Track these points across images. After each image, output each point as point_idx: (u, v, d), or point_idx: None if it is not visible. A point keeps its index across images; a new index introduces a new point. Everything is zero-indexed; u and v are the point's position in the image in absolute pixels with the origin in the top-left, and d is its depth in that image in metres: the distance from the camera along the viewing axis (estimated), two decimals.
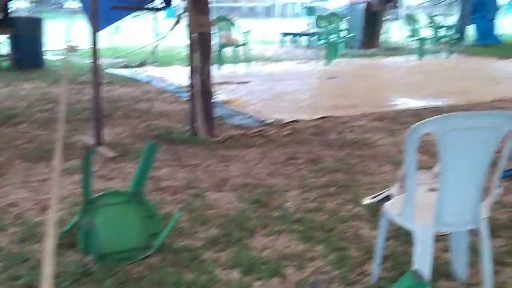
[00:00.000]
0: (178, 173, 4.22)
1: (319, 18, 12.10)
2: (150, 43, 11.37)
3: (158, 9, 6.94)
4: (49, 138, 5.09)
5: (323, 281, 2.63)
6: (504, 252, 2.88)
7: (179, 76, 8.08)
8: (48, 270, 1.56)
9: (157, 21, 12.49)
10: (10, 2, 10.13)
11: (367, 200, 3.58)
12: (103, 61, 9.50)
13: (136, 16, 10.37)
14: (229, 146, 4.92)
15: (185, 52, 5.28)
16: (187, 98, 5.57)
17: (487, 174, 2.27)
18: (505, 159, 2.30)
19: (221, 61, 9.83)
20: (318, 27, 11.68)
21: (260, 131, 5.39)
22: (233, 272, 2.72)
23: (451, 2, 16.68)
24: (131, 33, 13.69)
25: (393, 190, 3.35)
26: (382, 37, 13.84)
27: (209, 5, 5.28)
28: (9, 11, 9.89)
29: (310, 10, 15.83)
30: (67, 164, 4.22)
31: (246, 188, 3.88)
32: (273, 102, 7.03)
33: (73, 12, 15.55)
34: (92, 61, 4.79)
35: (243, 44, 10.29)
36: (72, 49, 12.25)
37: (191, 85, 5.19)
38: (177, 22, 6.08)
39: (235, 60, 10.17)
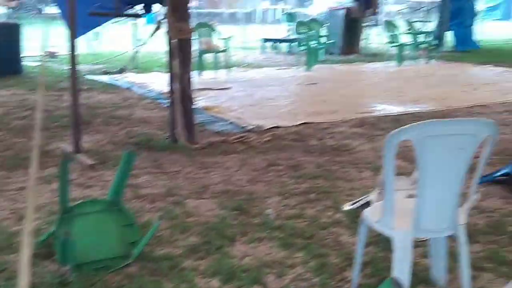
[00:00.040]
0: (157, 180, 4.19)
1: (299, 24, 12.15)
2: (130, 49, 11.33)
3: (137, 16, 6.91)
4: (26, 145, 5.02)
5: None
6: (482, 257, 2.90)
7: (159, 82, 8.04)
8: (24, 281, 1.53)
9: (137, 27, 12.43)
10: None
11: (347, 206, 3.59)
12: (82, 67, 9.47)
13: (116, 22, 10.32)
14: (210, 152, 4.91)
15: (165, 58, 5.25)
16: (167, 105, 5.55)
17: (465, 180, 2.29)
18: (483, 164, 2.32)
19: (201, 67, 9.81)
20: (298, 33, 11.72)
21: (240, 137, 5.38)
22: (213, 280, 2.71)
23: (430, 9, 16.87)
24: (111, 39, 13.60)
25: (372, 196, 3.36)
26: (362, 43, 13.94)
27: (189, 11, 5.27)
28: None
29: (291, 16, 15.89)
30: (45, 172, 4.17)
31: (227, 195, 3.87)
32: (254, 108, 7.03)
33: (52, 18, 15.43)
34: (71, 67, 4.75)
35: (224, 50, 10.28)
36: (51, 55, 12.14)
37: (171, 92, 5.17)
38: (157, 28, 6.07)
39: (216, 66, 10.16)
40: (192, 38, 5.37)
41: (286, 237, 3.16)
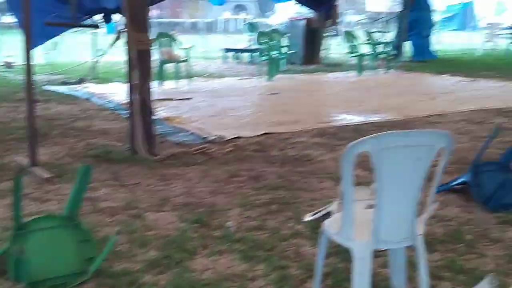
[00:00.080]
0: (117, 193, 4.11)
1: (261, 34, 12.20)
2: (90, 59, 11.17)
3: (95, 26, 6.82)
4: None
5: None
6: (440, 266, 2.94)
7: (120, 92, 7.94)
8: None
9: (97, 36, 12.27)
10: None
11: (308, 217, 3.59)
12: (40, 77, 9.29)
13: (75, 31, 10.16)
14: (170, 164, 4.86)
15: (126, 68, 5.18)
16: (127, 116, 5.47)
17: (423, 189, 2.31)
18: (440, 174, 2.35)
19: (162, 78, 9.74)
20: (260, 43, 11.77)
21: (202, 148, 5.35)
22: None
23: (388, 19, 17.19)
24: (70, 48, 13.39)
25: (333, 206, 3.38)
26: (322, 53, 14.09)
27: (149, 21, 5.22)
28: None
29: (252, 26, 15.97)
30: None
31: (187, 207, 3.83)
32: (215, 118, 7.00)
33: (9, 27, 15.11)
34: (26, 77, 4.64)
35: (185, 60, 10.23)
36: (8, 65, 11.87)
37: (130, 103, 5.10)
38: (118, 38, 6.02)
39: (177, 76, 10.10)
40: (152, 48, 5.32)
41: (247, 250, 3.14)
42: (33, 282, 2.61)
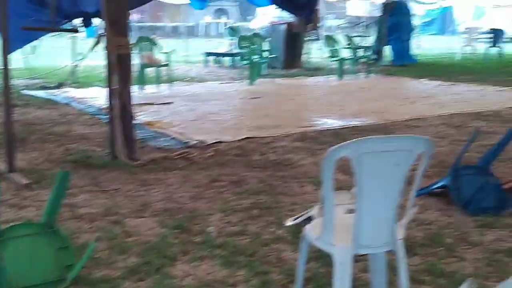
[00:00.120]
0: (96, 199, 4.07)
1: (242, 38, 12.21)
2: (70, 63, 11.07)
3: (74, 31, 6.75)
4: None
5: None
6: (420, 270, 2.95)
7: (99, 97, 7.88)
8: None
9: (77, 40, 12.16)
10: None
11: (289, 222, 3.58)
12: (18, 82, 9.18)
13: (54, 35, 10.07)
14: (151, 169, 4.82)
15: (105, 72, 5.14)
16: (107, 121, 5.42)
17: (403, 194, 2.32)
18: (419, 178, 2.36)
19: (143, 82, 9.68)
20: (241, 47, 11.77)
21: (182, 153, 5.32)
22: None
23: (368, 24, 17.32)
24: (49, 52, 13.24)
25: (314, 211, 3.38)
26: (303, 58, 14.14)
27: (129, 25, 5.19)
28: None
29: (233, 31, 15.98)
30: None
31: (168, 213, 3.80)
32: (197, 123, 6.98)
33: None
34: (4, 82, 4.58)
35: (166, 64, 10.20)
36: None
37: (110, 108, 5.06)
38: (98, 42, 5.97)
39: (158, 80, 10.05)
40: (132, 52, 5.29)
41: (228, 255, 3.12)
42: None
